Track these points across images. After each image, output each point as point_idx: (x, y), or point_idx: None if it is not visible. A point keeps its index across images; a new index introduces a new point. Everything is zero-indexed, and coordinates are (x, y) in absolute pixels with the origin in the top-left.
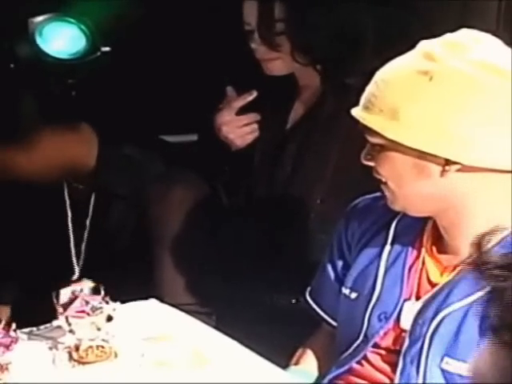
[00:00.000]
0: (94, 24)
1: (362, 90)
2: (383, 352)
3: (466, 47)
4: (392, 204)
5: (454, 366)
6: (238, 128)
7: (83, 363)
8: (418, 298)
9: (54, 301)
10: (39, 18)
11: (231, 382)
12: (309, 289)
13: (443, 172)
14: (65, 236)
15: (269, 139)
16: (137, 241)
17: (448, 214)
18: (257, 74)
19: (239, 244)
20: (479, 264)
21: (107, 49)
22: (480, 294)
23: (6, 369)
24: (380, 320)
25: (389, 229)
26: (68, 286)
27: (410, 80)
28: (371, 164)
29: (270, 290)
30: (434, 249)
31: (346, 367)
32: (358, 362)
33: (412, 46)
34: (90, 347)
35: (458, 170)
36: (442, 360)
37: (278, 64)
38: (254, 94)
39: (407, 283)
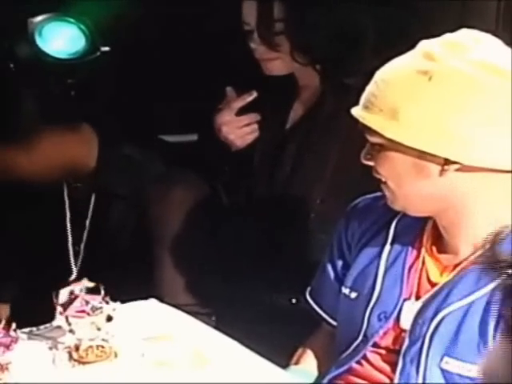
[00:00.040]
0: (94, 24)
1: (362, 89)
2: (383, 352)
3: (466, 47)
4: (392, 204)
5: (454, 366)
6: (238, 128)
7: (83, 363)
8: (417, 297)
9: (54, 300)
10: (39, 18)
11: (231, 382)
12: (309, 288)
13: (442, 172)
14: (64, 236)
15: (269, 139)
16: (137, 241)
17: (448, 213)
18: (256, 74)
19: (239, 244)
20: (492, 262)
21: (107, 49)
22: (480, 293)
23: (6, 369)
24: (380, 320)
25: (389, 228)
26: (67, 286)
27: (409, 80)
28: (371, 163)
29: (270, 289)
30: (434, 248)
31: (345, 367)
32: (358, 362)
33: (411, 46)
34: (90, 347)
35: (458, 170)
36: (441, 360)
37: (277, 64)
38: (254, 94)
39: (407, 283)
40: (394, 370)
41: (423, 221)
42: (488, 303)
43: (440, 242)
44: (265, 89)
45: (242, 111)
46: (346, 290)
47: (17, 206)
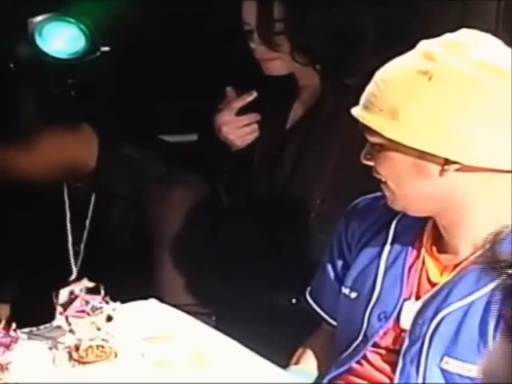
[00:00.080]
0: (94, 24)
1: (362, 89)
2: (383, 352)
3: (466, 47)
4: (392, 204)
5: (454, 366)
6: (238, 128)
7: (83, 363)
8: (417, 297)
9: (54, 300)
10: (39, 18)
11: (231, 382)
12: (309, 288)
13: (442, 172)
14: (64, 236)
15: (269, 139)
16: (137, 241)
17: (448, 213)
18: (256, 74)
19: (239, 244)
20: (492, 262)
21: (107, 49)
22: (480, 293)
23: (6, 369)
24: (380, 320)
25: (389, 228)
26: (67, 286)
27: (409, 80)
28: (371, 163)
29: (270, 289)
30: (434, 248)
31: (345, 367)
32: (358, 362)
33: (411, 46)
34: (90, 347)
35: (458, 170)
36: (441, 360)
37: (277, 64)
38: (254, 94)
39: (407, 283)
40: (394, 370)
41: (423, 221)
42: (488, 303)
43: (440, 242)
44: (265, 89)
45: (241, 111)
46: (345, 290)
47: (17, 206)
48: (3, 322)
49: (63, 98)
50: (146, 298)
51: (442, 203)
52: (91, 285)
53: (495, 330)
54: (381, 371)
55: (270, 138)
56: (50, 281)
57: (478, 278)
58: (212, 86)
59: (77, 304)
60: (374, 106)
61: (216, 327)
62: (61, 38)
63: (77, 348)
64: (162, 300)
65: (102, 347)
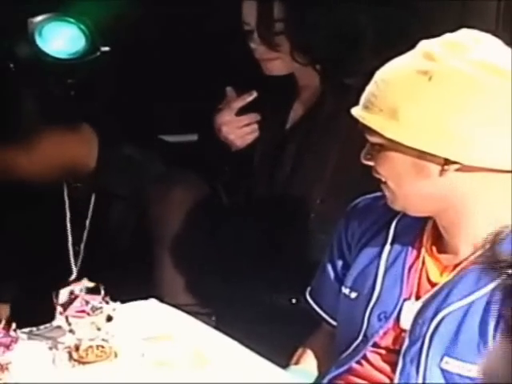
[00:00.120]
0: (94, 24)
1: (362, 89)
2: (383, 352)
3: (466, 47)
4: (392, 203)
5: (454, 366)
6: (238, 128)
7: (83, 363)
8: (417, 297)
9: (54, 300)
10: (39, 18)
11: (231, 382)
12: (309, 289)
13: (442, 171)
14: (64, 236)
15: (268, 139)
16: (137, 241)
17: (448, 213)
18: (256, 74)
19: (239, 244)
20: (492, 262)
21: (107, 49)
22: (480, 293)
23: (6, 369)
24: (380, 319)
25: (389, 228)
26: (67, 286)
27: (409, 80)
28: (371, 163)
29: (270, 289)
30: (434, 248)
31: (345, 367)
32: (358, 362)
33: (411, 46)
34: (90, 347)
35: (458, 170)
36: (441, 360)
37: (277, 64)
38: (254, 94)
39: (407, 283)
40: (394, 370)
41: (423, 221)
42: (488, 303)
43: (440, 242)
44: (265, 89)
45: (241, 111)
46: (345, 290)
47: (17, 206)
48: (3, 322)
49: (63, 98)
50: (146, 298)
51: (441, 203)
52: (91, 285)
53: (495, 329)
54: (381, 371)
55: (270, 138)
56: (49, 281)
57: (477, 278)
58: (212, 85)
59: (77, 304)
60: (374, 106)
61: (216, 327)
62: (61, 38)
63: (77, 348)
64: (162, 300)
65: (102, 347)
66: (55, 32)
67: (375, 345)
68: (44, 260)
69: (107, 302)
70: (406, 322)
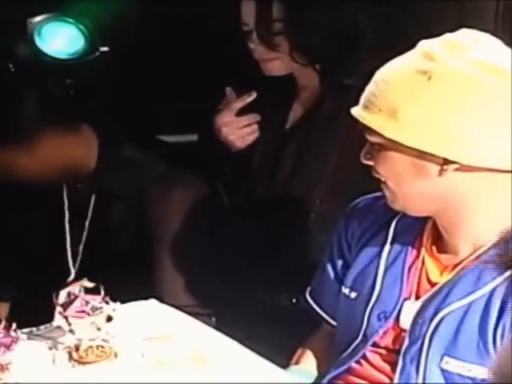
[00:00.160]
0: (93, 24)
1: (361, 89)
2: (383, 351)
3: (466, 47)
4: (392, 203)
5: (454, 366)
6: (238, 129)
7: (83, 363)
8: (417, 297)
9: (54, 300)
10: (38, 18)
11: (231, 382)
12: (309, 289)
13: (442, 171)
14: (64, 237)
15: (268, 140)
16: (137, 241)
17: (448, 213)
18: (256, 74)
19: (239, 244)
20: (504, 258)
21: (106, 49)
22: (480, 293)
23: (6, 369)
24: (379, 319)
25: (389, 228)
26: (67, 286)
27: (409, 80)
28: (370, 163)
29: (270, 289)
30: (434, 248)
31: (345, 367)
32: (358, 362)
33: (410, 47)
34: (90, 347)
35: (458, 170)
36: (441, 359)
37: (276, 64)
38: (254, 95)
39: (407, 283)
40: (393, 370)
41: (423, 221)
42: (488, 303)
43: (440, 242)
44: (264, 89)
45: (241, 112)
46: (345, 290)
47: (17, 206)
48: (3, 322)
49: (62, 98)
50: (146, 298)
51: (441, 203)
52: (91, 285)
53: (495, 329)
54: (380, 371)
55: (270, 139)
56: (49, 281)
57: (477, 278)
58: (212, 86)
59: (77, 304)
60: (374, 106)
61: (216, 327)
62: (60, 38)
63: (77, 348)
64: (162, 300)
65: (102, 347)
66: (54, 32)
67: (375, 344)
68: (44, 260)
69: (107, 302)
70: (405, 322)
